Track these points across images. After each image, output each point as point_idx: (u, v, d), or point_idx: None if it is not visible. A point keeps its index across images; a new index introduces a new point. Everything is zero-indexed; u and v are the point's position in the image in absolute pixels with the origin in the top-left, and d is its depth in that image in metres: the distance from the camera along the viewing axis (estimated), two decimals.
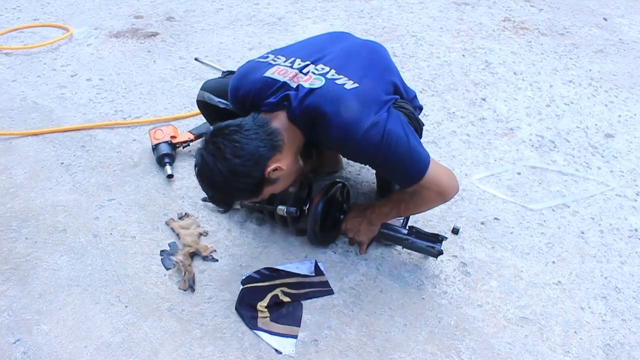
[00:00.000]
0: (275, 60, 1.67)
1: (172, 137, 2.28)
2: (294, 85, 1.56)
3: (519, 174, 2.31)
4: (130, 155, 2.33)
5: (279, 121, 1.56)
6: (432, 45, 3.24)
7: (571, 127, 2.61)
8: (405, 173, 1.59)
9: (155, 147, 2.25)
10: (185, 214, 2.03)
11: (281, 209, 1.85)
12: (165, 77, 2.89)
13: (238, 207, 1.99)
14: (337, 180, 1.92)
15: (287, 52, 1.72)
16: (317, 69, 1.60)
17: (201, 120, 2.51)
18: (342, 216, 1.90)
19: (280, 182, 1.59)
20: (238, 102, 1.70)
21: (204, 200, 2.08)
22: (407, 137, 1.56)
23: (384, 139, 1.51)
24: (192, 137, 2.32)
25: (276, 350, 1.61)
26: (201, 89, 1.95)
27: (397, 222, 1.87)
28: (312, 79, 1.56)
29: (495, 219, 2.08)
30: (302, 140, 1.61)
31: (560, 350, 1.64)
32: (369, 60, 1.71)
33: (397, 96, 1.69)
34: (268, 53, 1.75)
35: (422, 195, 1.65)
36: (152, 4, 3.68)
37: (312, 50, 1.70)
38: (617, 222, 2.10)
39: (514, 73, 3.03)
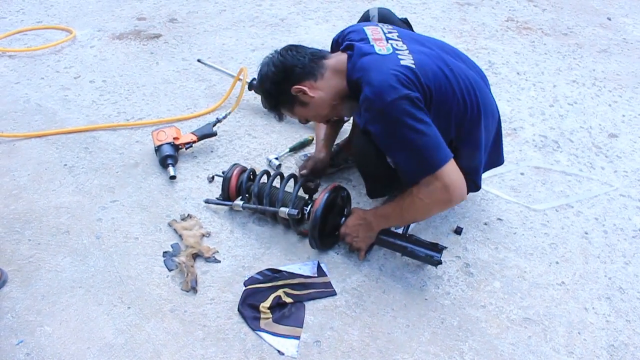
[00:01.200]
0: (381, 25, 1.86)
1: (174, 138, 2.28)
2: (372, 44, 1.71)
3: (522, 174, 2.30)
4: (133, 157, 2.34)
5: (337, 61, 1.77)
6: None
7: (575, 127, 2.60)
8: (423, 158, 1.56)
9: (158, 149, 2.26)
10: (188, 215, 2.03)
11: (283, 212, 1.86)
12: (168, 78, 2.90)
13: (240, 209, 1.99)
14: (338, 184, 1.92)
15: (398, 28, 1.85)
16: (396, 43, 1.71)
17: (204, 121, 2.52)
18: (343, 219, 1.89)
19: (310, 108, 1.81)
20: (340, 34, 1.92)
21: (206, 202, 2.08)
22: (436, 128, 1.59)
23: (414, 113, 1.54)
24: (194, 138, 2.32)
25: (279, 351, 1.61)
26: (379, 7, 2.12)
27: (397, 230, 1.85)
28: (383, 47, 1.68)
29: (499, 219, 2.08)
30: (345, 89, 1.75)
31: (564, 351, 1.63)
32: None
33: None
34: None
35: (429, 189, 1.59)
36: (154, 5, 3.69)
37: (414, 38, 1.82)
38: (621, 222, 2.09)
39: (517, 73, 3.02)
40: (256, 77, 1.93)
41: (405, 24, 2.09)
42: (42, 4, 3.69)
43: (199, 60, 2.98)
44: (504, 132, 2.50)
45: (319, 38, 3.23)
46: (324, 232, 1.85)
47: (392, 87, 1.54)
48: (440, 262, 1.76)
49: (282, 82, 1.76)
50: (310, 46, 1.87)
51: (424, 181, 1.59)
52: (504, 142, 2.43)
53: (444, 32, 3.41)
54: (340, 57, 1.77)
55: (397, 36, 1.75)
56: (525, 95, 2.83)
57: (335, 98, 1.78)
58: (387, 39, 1.73)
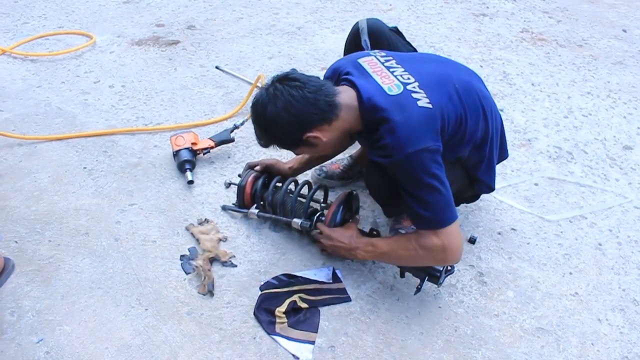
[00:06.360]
0: (374, 52, 1.76)
1: (192, 143, 2.31)
2: (374, 78, 1.63)
3: (536, 184, 2.31)
4: (151, 161, 2.37)
5: (349, 97, 1.63)
6: (450, 55, 3.25)
7: (589, 138, 2.61)
8: (431, 213, 1.55)
9: (176, 154, 2.29)
10: (205, 219, 2.06)
11: (296, 223, 1.88)
12: (186, 84, 2.94)
13: (255, 217, 2.01)
14: (349, 190, 1.93)
15: (391, 52, 1.78)
16: (402, 76, 1.62)
17: (221, 127, 2.55)
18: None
19: (317, 148, 1.69)
20: (331, 71, 1.79)
21: (223, 208, 2.11)
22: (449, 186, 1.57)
23: (431, 168, 1.52)
24: (212, 144, 2.36)
25: (293, 355, 1.63)
26: (367, 19, 2.02)
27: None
28: (392, 84, 1.60)
29: (512, 229, 2.09)
30: (359, 126, 1.66)
31: None
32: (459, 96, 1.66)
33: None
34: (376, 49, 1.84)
35: (429, 244, 1.58)
36: (173, 12, 3.74)
37: (411, 58, 1.74)
38: (636, 234, 2.09)
39: (532, 84, 3.03)
40: (255, 108, 1.67)
41: (396, 32, 2.05)
42: (64, 9, 3.76)
43: (216, 67, 3.02)
44: (518, 142, 2.54)
45: (335, 47, 3.26)
46: None
47: (413, 139, 1.51)
48: (438, 277, 1.70)
49: (294, 130, 1.62)
50: (316, 63, 1.81)
51: (425, 233, 1.58)
52: (518, 153, 2.46)
53: (459, 43, 3.42)
54: (350, 94, 1.64)
55: (396, 63, 1.68)
56: (540, 106, 2.84)
57: (345, 135, 1.69)
58: (388, 68, 1.65)
